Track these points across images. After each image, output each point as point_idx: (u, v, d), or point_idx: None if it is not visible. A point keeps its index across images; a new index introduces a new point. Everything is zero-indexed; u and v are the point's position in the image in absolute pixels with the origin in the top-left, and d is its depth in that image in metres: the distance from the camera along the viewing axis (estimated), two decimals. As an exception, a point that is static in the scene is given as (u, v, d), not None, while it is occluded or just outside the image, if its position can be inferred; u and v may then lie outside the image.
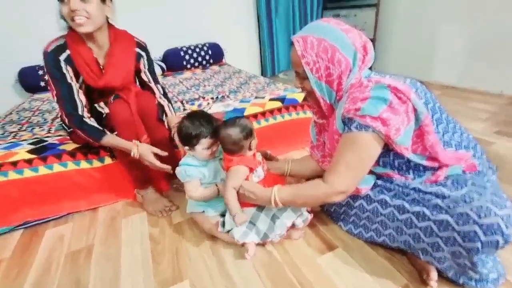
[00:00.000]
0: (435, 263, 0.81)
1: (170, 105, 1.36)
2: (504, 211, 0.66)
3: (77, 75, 1.15)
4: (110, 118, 1.19)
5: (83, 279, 0.98)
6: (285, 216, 0.99)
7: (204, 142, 1.00)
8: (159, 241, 1.12)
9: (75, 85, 1.14)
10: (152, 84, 1.34)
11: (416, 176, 0.85)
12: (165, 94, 1.37)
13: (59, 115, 1.43)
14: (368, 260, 0.94)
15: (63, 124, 1.31)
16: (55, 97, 1.14)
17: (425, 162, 0.82)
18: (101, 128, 1.15)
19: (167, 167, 1.17)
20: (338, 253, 0.98)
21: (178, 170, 1.05)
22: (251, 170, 0.98)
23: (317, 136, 1.08)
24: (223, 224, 1.04)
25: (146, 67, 1.32)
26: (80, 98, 1.15)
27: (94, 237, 1.17)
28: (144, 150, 1.14)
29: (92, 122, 1.15)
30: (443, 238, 0.75)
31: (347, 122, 0.81)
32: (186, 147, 1.04)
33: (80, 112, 1.13)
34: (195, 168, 1.04)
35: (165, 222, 1.23)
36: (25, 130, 1.56)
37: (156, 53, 2.81)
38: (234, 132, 0.94)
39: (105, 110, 1.24)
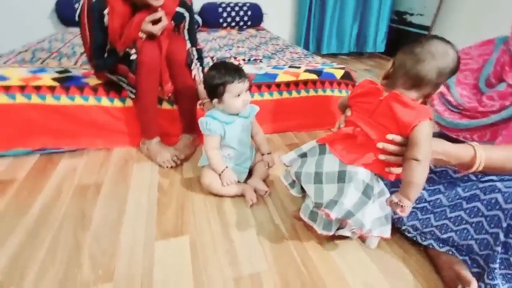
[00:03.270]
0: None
1: (202, 70, 1.28)
2: None
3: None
4: (137, 58, 1.12)
5: (87, 213, 0.98)
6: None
7: (232, 88, 0.93)
8: (166, 192, 1.09)
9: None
10: (189, 45, 1.24)
11: None
12: (199, 58, 1.28)
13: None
14: (381, 256, 0.87)
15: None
16: (88, 43, 1.10)
17: None
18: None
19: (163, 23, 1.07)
20: (350, 242, 0.91)
21: (200, 120, 0.99)
22: None
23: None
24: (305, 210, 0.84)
25: (187, 27, 1.23)
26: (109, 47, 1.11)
27: (105, 176, 1.17)
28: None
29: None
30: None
31: None
32: (215, 100, 0.97)
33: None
34: (218, 123, 0.97)
35: (176, 174, 1.20)
36: (53, 58, 1.54)
37: (194, 5, 2.68)
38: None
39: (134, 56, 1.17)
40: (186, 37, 1.24)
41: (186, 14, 1.20)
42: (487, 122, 0.76)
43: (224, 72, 0.93)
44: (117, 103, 1.27)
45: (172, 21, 1.17)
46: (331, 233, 0.79)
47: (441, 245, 0.81)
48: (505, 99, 0.75)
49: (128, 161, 1.27)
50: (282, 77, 1.47)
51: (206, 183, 1.03)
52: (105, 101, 1.26)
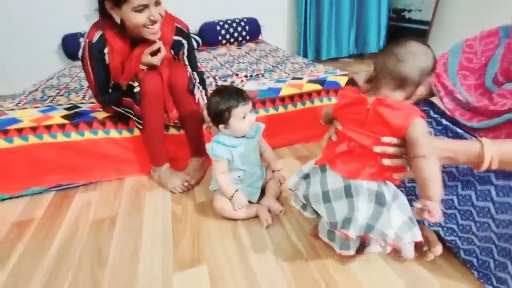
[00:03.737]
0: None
1: (205, 92, 1.30)
2: None
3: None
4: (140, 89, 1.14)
5: (104, 249, 0.98)
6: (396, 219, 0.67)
7: (237, 112, 0.93)
8: (180, 220, 1.09)
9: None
10: (189, 70, 1.26)
11: None
12: (201, 81, 1.30)
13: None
14: (407, 268, 0.83)
15: None
16: (92, 81, 1.14)
17: None
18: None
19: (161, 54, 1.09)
20: (374, 258, 0.88)
21: (206, 146, 0.99)
22: None
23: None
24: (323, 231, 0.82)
25: (185, 54, 1.25)
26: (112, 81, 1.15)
27: (119, 207, 1.17)
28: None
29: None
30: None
31: None
32: (221, 125, 0.97)
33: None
34: (224, 148, 0.97)
35: (188, 200, 1.19)
36: (62, 95, 1.59)
37: (193, 27, 2.74)
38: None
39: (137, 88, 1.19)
40: (186, 62, 1.26)
41: (184, 41, 1.21)
42: (500, 121, 0.72)
43: (227, 97, 0.93)
44: (125, 133, 1.29)
45: (171, 50, 1.19)
46: (351, 253, 0.76)
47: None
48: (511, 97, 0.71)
49: (140, 190, 1.27)
50: (286, 91, 1.46)
51: (217, 208, 1.02)
52: (113, 133, 1.28)
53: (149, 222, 1.09)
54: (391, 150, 0.65)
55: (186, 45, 1.22)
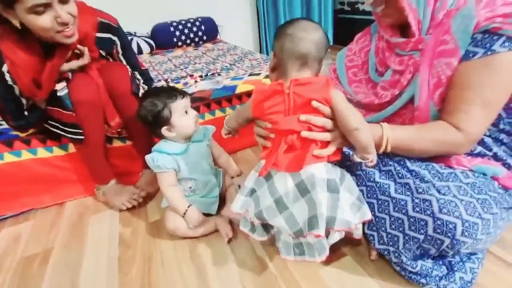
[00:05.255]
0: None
1: None
2: (474, 218, 0.57)
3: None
4: (71, 101, 0.97)
5: (32, 293, 0.80)
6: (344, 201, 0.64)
7: (177, 106, 0.82)
8: (129, 245, 0.93)
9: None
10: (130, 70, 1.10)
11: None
12: (146, 81, 1.16)
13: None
14: (385, 274, 0.74)
15: None
16: None
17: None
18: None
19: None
20: (347, 263, 0.79)
21: (146, 158, 0.86)
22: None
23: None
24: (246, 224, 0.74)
25: (120, 52, 1.09)
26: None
27: (55, 239, 0.99)
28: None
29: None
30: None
31: (483, 39, 0.59)
32: (164, 128, 0.84)
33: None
34: (167, 156, 0.84)
35: (139, 220, 1.04)
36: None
37: (143, 29, 2.55)
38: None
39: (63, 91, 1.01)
40: (124, 62, 1.10)
41: (114, 38, 1.06)
42: (386, 115, 0.76)
43: (161, 94, 0.82)
44: (58, 151, 1.10)
45: (101, 50, 1.04)
46: (327, 253, 0.66)
47: None
48: (394, 87, 0.74)
49: (83, 214, 1.09)
50: (242, 88, 1.35)
51: (171, 228, 0.88)
52: (42, 152, 1.08)
53: (91, 252, 0.92)
54: (318, 121, 0.61)
55: (118, 42, 1.07)
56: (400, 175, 0.68)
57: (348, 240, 0.82)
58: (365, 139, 0.60)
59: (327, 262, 0.79)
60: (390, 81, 0.76)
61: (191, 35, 2.65)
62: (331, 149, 0.62)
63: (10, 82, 0.86)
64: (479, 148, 0.70)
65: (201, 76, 1.63)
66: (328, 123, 0.61)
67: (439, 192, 0.61)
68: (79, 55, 0.94)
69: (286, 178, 0.63)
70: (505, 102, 0.63)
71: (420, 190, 0.63)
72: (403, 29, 0.74)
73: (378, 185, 0.69)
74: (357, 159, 0.63)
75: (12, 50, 0.84)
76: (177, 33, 2.60)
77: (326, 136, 0.62)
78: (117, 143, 1.17)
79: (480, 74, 0.61)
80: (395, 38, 0.74)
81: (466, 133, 0.63)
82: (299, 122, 0.61)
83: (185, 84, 1.50)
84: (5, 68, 0.84)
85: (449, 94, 0.65)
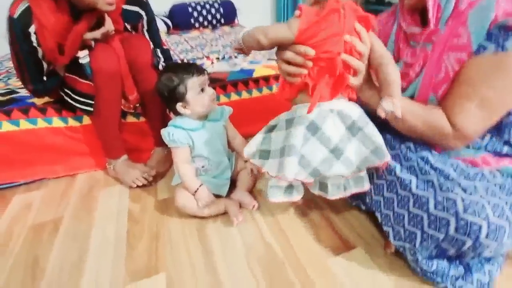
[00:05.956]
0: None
1: None
2: (501, 221, 0.54)
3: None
4: (91, 69, 0.96)
5: (42, 259, 0.81)
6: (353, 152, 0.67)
7: (193, 84, 0.81)
8: (138, 220, 0.93)
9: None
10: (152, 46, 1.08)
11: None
12: (167, 60, 1.14)
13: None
14: (395, 267, 0.72)
15: None
16: (16, 66, 0.93)
17: None
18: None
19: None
20: (356, 254, 0.77)
21: (162, 132, 0.85)
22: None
23: None
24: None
25: (145, 27, 1.07)
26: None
27: (66, 209, 1.00)
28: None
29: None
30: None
31: (498, 35, 0.55)
32: (179, 104, 0.83)
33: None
34: (182, 131, 0.83)
35: (149, 196, 1.03)
36: (0, 80, 1.36)
37: (161, 8, 2.51)
38: None
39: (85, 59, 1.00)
40: (147, 37, 1.08)
41: (142, 13, 1.04)
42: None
43: (179, 70, 0.80)
44: (73, 122, 1.10)
45: (126, 23, 1.01)
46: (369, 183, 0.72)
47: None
48: (403, 80, 0.69)
49: (94, 188, 1.10)
50: (260, 71, 1.32)
51: (179, 205, 0.87)
52: (57, 122, 1.08)
53: (100, 225, 0.92)
54: (361, 48, 0.60)
55: (145, 17, 1.04)
56: (423, 171, 0.65)
57: (358, 230, 0.81)
58: (395, 72, 0.61)
59: (336, 250, 0.78)
60: (400, 74, 0.71)
61: (209, 17, 2.60)
62: (360, 78, 0.63)
63: (35, 44, 0.86)
64: (506, 149, 0.66)
65: (217, 58, 1.60)
66: (366, 51, 0.61)
67: (464, 191, 0.58)
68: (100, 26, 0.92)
69: (336, 125, 0.64)
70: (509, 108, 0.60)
71: (444, 188, 0.59)
72: (424, 17, 0.69)
73: (399, 179, 0.67)
74: (383, 109, 0.60)
75: (43, 12, 0.84)
76: (195, 14, 2.56)
77: (360, 64, 0.61)
78: (130, 119, 1.17)
79: (485, 71, 0.57)
80: (411, 27, 0.70)
81: (457, 127, 0.62)
82: (345, 43, 0.59)
83: (202, 65, 1.47)
84: (32, 29, 0.84)
85: (451, 87, 0.63)
